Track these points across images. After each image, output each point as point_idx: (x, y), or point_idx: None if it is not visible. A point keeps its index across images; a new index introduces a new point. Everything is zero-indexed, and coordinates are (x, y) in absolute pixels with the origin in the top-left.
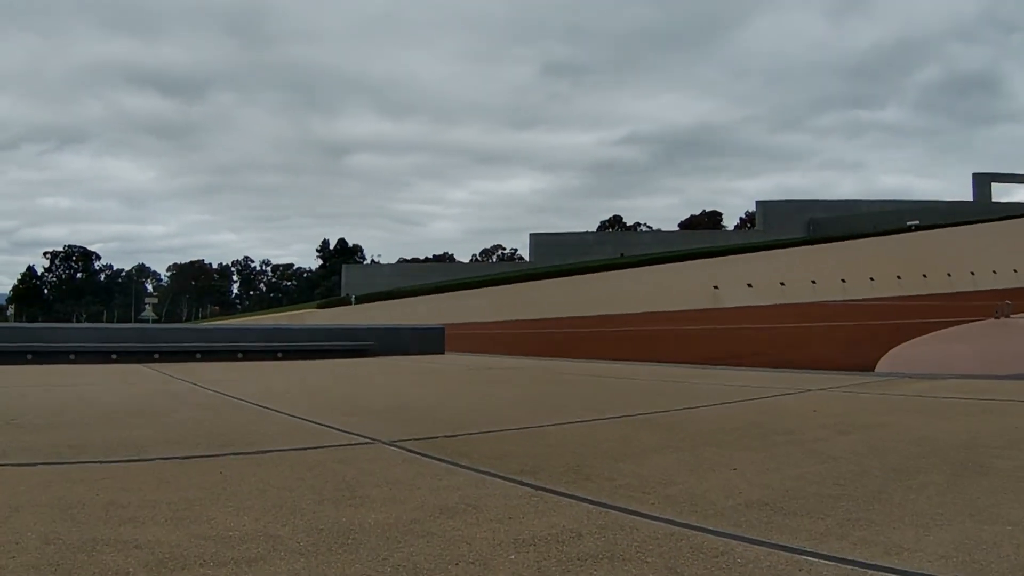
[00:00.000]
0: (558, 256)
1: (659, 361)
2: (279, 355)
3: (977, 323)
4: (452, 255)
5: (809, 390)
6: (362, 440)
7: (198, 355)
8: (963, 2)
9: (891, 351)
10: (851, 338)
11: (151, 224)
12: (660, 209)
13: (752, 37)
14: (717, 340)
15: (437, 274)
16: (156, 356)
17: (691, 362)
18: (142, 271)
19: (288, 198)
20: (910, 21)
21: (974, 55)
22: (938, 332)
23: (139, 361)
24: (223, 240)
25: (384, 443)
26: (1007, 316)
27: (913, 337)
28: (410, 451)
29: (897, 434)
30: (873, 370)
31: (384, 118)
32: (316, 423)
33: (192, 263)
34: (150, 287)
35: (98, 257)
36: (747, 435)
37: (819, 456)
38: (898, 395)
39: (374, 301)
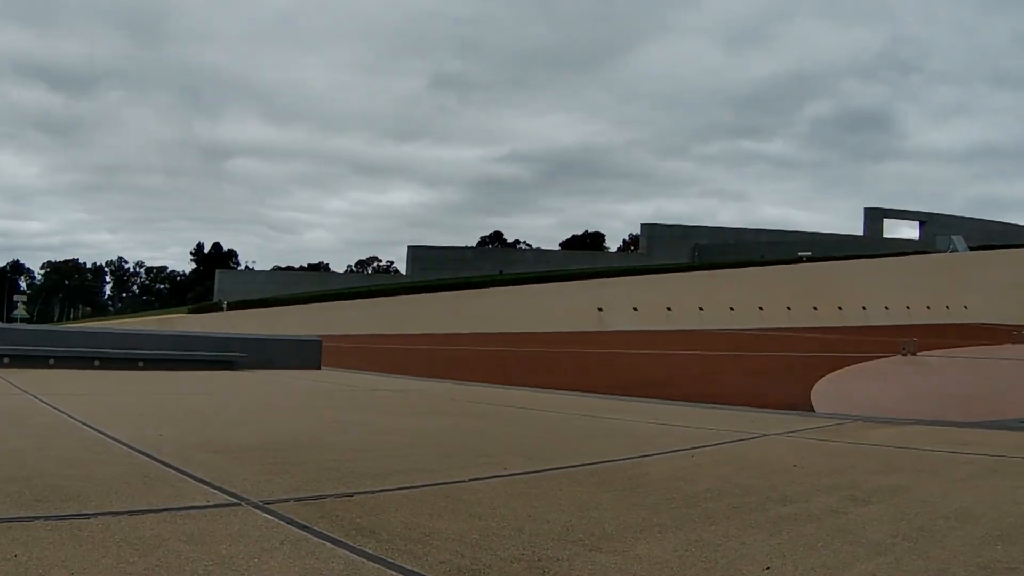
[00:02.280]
0: (435, 270)
1: (562, 389)
2: (140, 364)
3: (887, 360)
4: (327, 264)
5: (765, 435)
6: (224, 499)
7: (51, 361)
8: (864, 41)
9: (817, 387)
10: (762, 369)
11: (30, 221)
12: (540, 228)
13: (645, 62)
14: (620, 366)
15: (312, 283)
16: (5, 360)
17: (598, 391)
18: (16, 268)
19: (167, 200)
20: (808, 56)
21: (870, 93)
22: (853, 368)
23: None
24: (100, 240)
25: (254, 505)
26: (913, 353)
27: (825, 371)
28: (291, 522)
29: (928, 505)
30: (807, 407)
31: (268, 123)
32: (165, 464)
33: (67, 262)
34: (23, 284)
35: None
36: (742, 504)
37: (860, 541)
38: (875, 446)
39: (247, 308)
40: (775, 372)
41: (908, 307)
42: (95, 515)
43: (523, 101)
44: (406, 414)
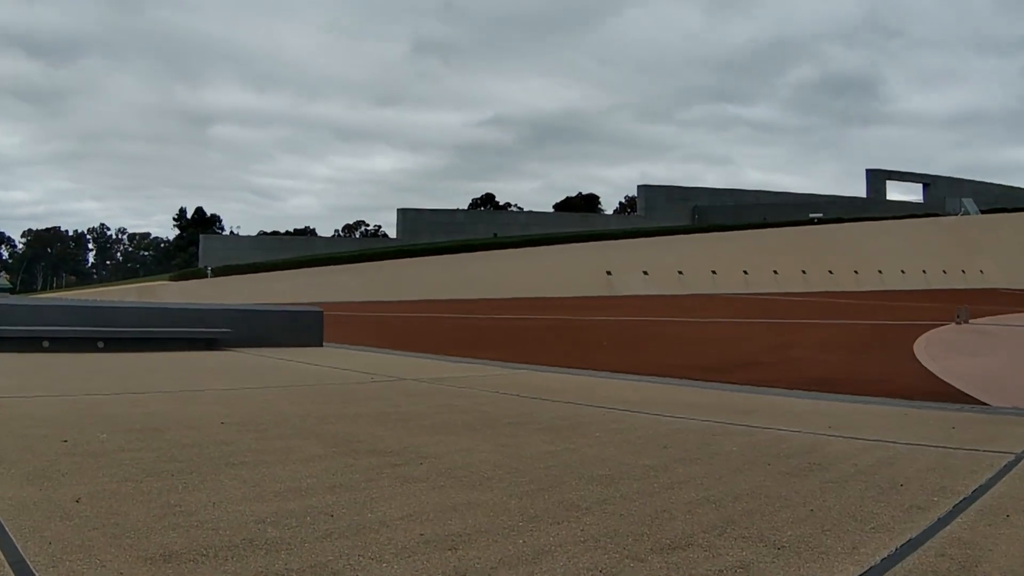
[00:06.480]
0: (427, 234)
1: (635, 372)
2: (100, 344)
3: (949, 328)
4: (314, 230)
5: (1016, 455)
6: None
7: None
8: (846, 5)
9: (933, 367)
10: (837, 341)
11: (13, 190)
12: (527, 193)
13: (626, 26)
14: (674, 339)
15: (298, 248)
16: None
17: (683, 376)
18: None
19: (151, 167)
20: (789, 20)
21: (853, 57)
22: (930, 338)
23: None
24: (86, 208)
25: None
26: (966, 321)
27: (906, 343)
28: None
29: None
30: (958, 396)
31: (249, 89)
32: None
33: (48, 230)
34: (5, 254)
35: None
36: None
37: None
38: None
39: (233, 274)
40: (855, 346)
41: (924, 271)
42: None
43: (505, 66)
44: (470, 430)
